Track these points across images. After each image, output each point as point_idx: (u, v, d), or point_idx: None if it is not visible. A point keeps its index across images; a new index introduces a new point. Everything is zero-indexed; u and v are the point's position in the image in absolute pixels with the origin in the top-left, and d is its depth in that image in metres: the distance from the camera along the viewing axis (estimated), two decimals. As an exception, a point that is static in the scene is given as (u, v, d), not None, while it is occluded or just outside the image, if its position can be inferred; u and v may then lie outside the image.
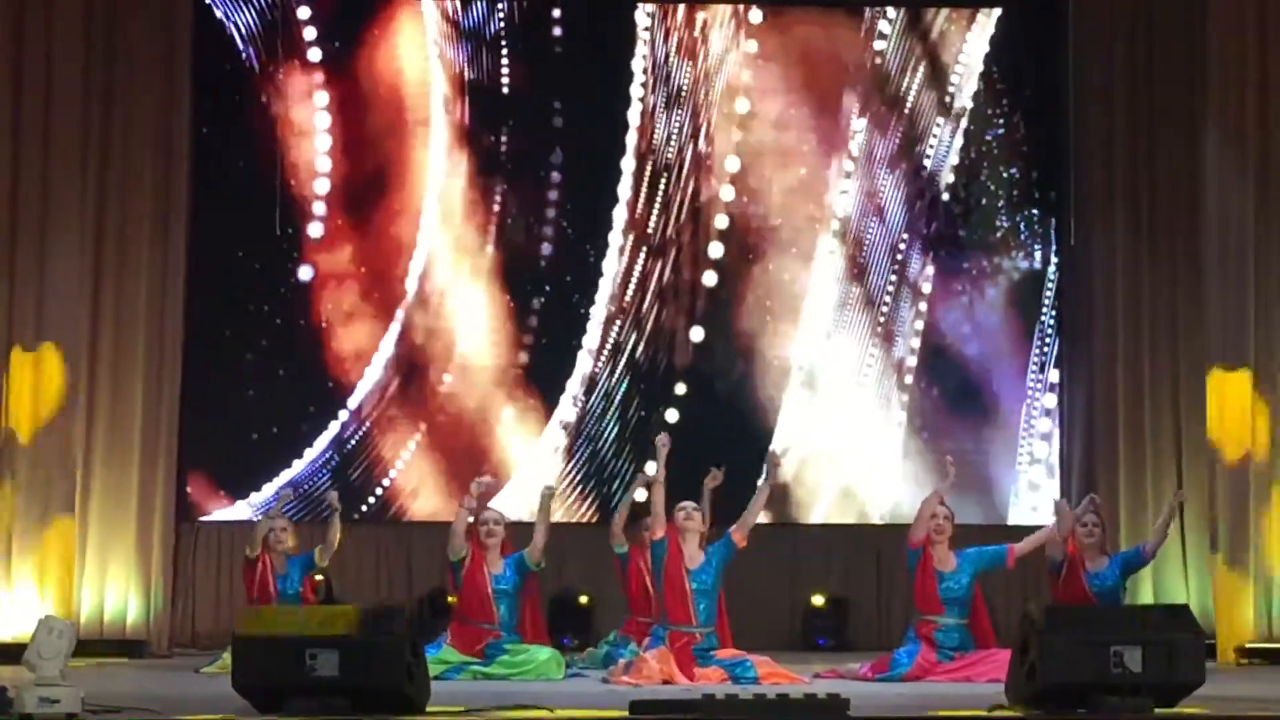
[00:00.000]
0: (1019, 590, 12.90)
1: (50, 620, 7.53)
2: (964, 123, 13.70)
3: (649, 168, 13.50)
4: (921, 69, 13.70)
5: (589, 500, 13.33)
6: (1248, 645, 11.79)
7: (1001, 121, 13.70)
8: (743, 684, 9.46)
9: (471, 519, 10.50)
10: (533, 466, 13.27)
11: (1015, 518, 13.33)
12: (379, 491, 13.27)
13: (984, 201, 13.67)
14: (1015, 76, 13.72)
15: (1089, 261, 13.31)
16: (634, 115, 13.51)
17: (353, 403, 13.26)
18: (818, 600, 13.11)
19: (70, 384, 12.16)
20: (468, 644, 10.31)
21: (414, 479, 13.28)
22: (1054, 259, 13.59)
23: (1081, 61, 13.49)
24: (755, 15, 13.63)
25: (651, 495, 10.17)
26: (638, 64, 13.53)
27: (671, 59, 13.53)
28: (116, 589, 12.39)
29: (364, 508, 13.24)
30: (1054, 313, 13.58)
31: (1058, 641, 7.57)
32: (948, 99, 13.69)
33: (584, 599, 12.86)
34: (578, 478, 13.35)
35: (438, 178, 13.44)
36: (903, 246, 13.62)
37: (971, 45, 13.72)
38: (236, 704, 7.67)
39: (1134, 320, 12.92)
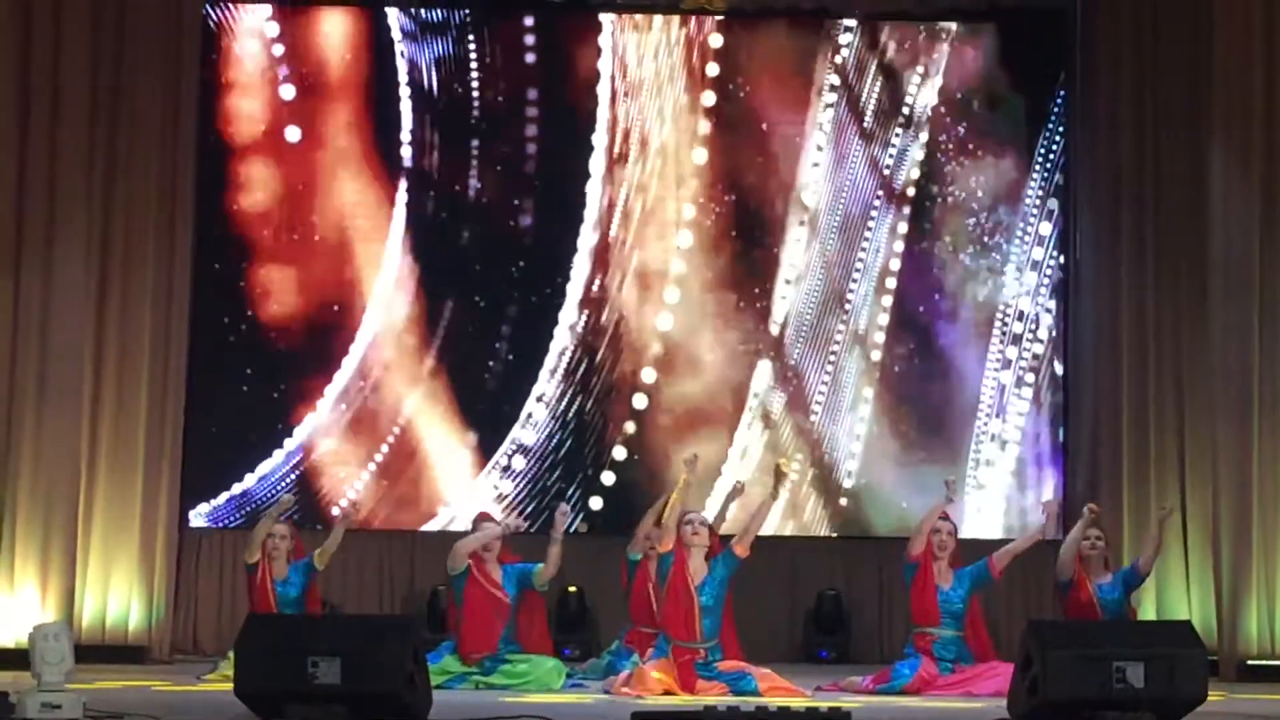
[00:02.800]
0: (1020, 604, 12.92)
1: (43, 628, 7.51)
2: (964, 132, 13.70)
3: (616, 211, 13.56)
4: (921, 79, 13.70)
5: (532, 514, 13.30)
6: (1250, 662, 11.78)
7: (1004, 132, 13.70)
8: (744, 697, 9.45)
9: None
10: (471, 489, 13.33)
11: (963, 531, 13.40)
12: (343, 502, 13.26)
13: (986, 212, 13.69)
14: (1020, 87, 13.72)
15: (1093, 274, 13.32)
16: (599, 155, 13.55)
17: (320, 414, 13.32)
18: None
19: (75, 390, 12.15)
20: (467, 654, 10.29)
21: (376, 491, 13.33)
22: (1054, 269, 13.62)
23: (1086, 71, 13.51)
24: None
25: (668, 508, 10.19)
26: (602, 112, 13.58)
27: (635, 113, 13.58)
28: (119, 595, 12.39)
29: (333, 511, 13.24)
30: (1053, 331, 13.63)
31: (1060, 656, 7.56)
32: (949, 108, 13.70)
33: (585, 607, 12.84)
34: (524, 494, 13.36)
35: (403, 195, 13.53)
36: (883, 250, 13.62)
37: (978, 55, 13.73)
38: (238, 711, 7.67)
39: (1139, 332, 12.90)
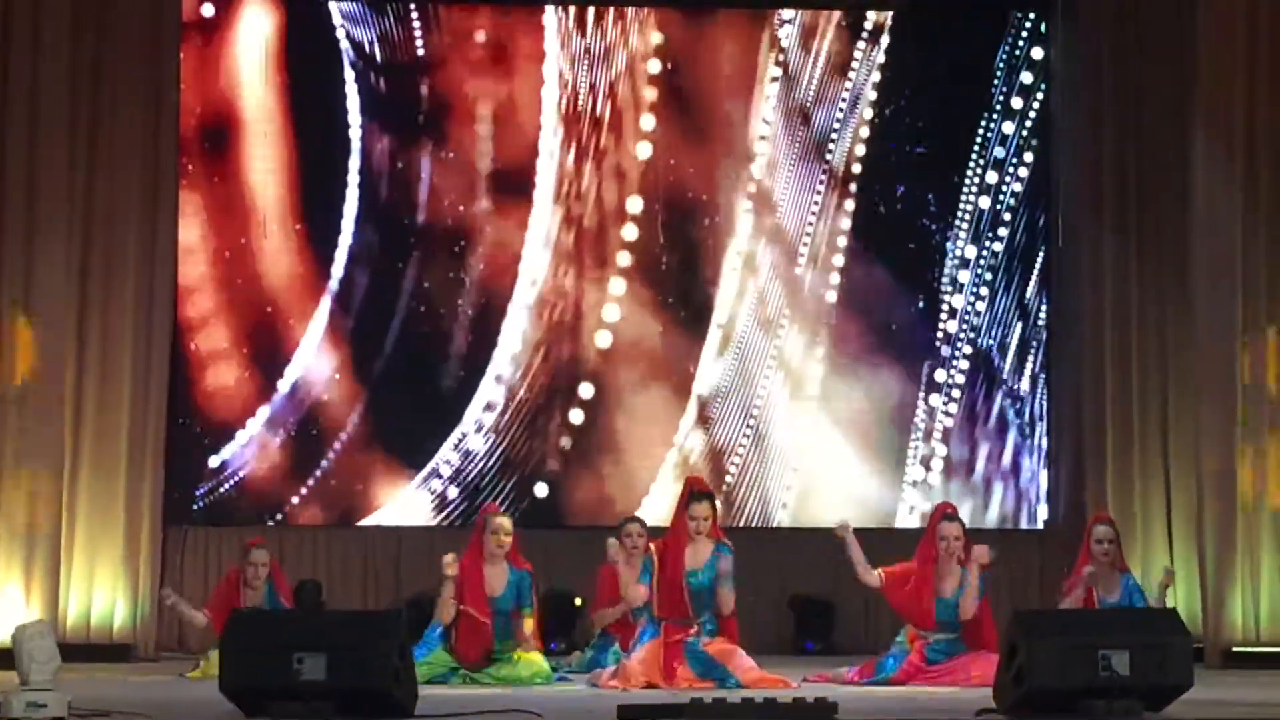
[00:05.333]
0: (1006, 596, 12.92)
1: (27, 626, 7.51)
2: (949, 127, 13.70)
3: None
4: (911, 72, 13.71)
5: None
6: (1236, 649, 11.80)
7: (985, 125, 13.71)
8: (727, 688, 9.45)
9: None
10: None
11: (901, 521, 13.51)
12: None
13: (968, 207, 13.69)
14: (1003, 80, 13.72)
15: (1077, 267, 13.33)
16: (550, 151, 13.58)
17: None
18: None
19: (57, 388, 12.12)
20: (464, 651, 10.23)
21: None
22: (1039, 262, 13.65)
23: (1069, 65, 13.53)
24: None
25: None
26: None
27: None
28: (103, 593, 12.36)
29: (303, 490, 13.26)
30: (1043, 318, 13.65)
31: (1045, 645, 7.56)
32: (927, 100, 13.71)
33: (571, 603, 12.84)
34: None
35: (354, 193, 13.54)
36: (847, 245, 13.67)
37: (962, 50, 13.73)
38: (224, 708, 7.66)
39: (1122, 325, 12.92)
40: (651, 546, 10.18)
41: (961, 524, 10.41)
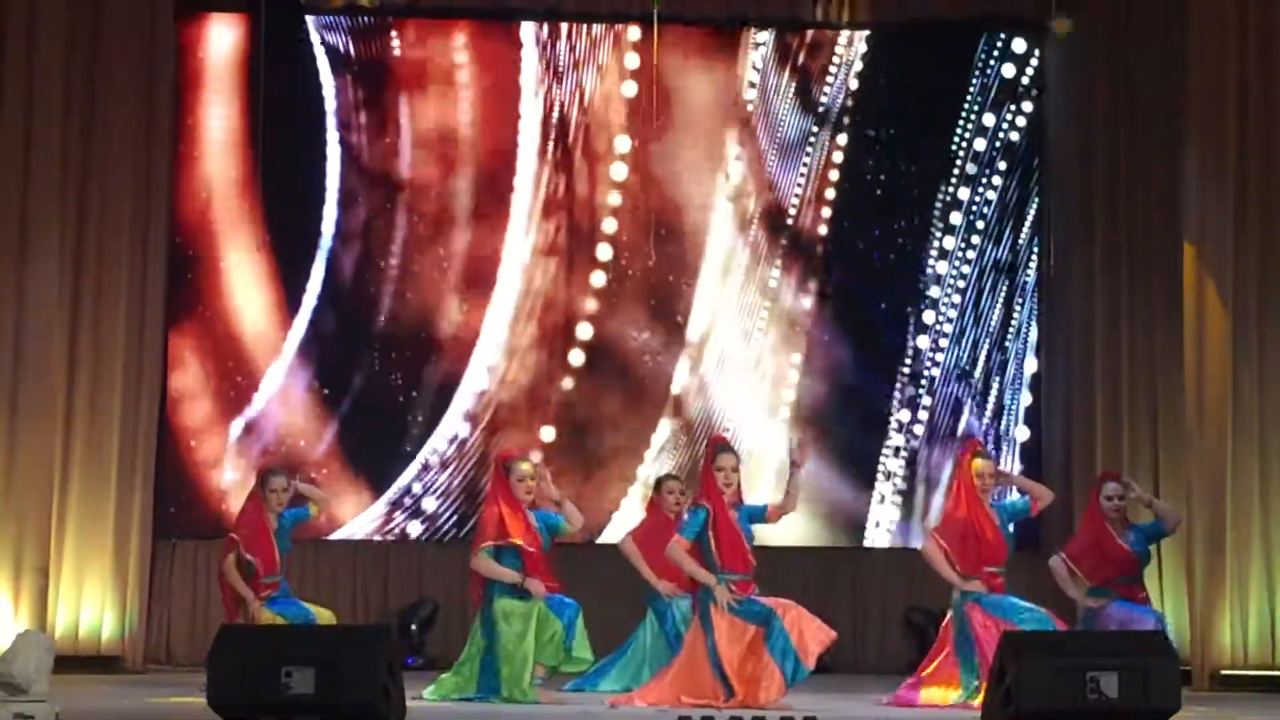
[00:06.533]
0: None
1: (35, 636, 7.54)
2: (943, 153, 13.73)
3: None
4: (899, 92, 13.74)
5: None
6: (1224, 672, 11.80)
7: (966, 147, 13.73)
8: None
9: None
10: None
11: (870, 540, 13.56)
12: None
13: (964, 229, 13.72)
14: (995, 103, 13.75)
15: (1066, 289, 13.36)
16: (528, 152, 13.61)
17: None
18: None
19: (48, 399, 12.11)
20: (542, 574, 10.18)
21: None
22: (1031, 286, 13.67)
23: (1061, 88, 13.56)
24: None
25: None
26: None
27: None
28: (92, 605, 12.35)
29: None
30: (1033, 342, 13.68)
31: (1034, 667, 7.58)
32: (927, 126, 13.74)
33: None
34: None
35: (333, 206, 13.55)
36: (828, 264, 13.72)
37: (954, 70, 13.76)
38: (211, 721, 7.67)
39: (1112, 341, 12.95)
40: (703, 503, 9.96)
41: (994, 460, 10.50)
